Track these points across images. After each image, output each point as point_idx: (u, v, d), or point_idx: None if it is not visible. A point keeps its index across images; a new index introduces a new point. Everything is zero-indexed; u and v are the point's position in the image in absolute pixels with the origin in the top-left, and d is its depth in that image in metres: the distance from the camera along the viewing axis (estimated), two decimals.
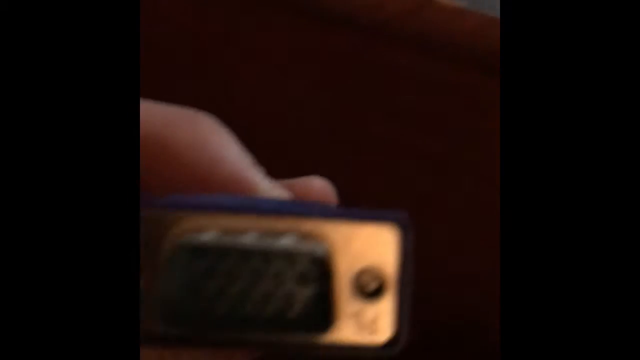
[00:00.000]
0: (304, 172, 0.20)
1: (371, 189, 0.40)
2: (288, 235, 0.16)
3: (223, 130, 0.20)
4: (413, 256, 0.16)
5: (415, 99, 0.39)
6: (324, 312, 0.16)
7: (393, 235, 0.16)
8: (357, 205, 0.16)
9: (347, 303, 0.16)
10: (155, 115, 0.19)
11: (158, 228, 0.16)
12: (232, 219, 0.16)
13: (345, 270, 0.16)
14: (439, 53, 0.37)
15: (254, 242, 0.16)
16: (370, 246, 0.16)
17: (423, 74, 0.38)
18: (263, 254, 0.16)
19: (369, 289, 0.16)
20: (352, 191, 0.19)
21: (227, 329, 0.16)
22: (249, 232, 0.16)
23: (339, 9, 0.38)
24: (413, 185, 0.41)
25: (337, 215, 0.16)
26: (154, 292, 0.16)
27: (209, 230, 0.16)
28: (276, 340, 0.16)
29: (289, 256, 0.16)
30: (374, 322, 0.16)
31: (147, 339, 0.16)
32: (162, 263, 0.16)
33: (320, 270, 0.16)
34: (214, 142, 0.19)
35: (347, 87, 0.40)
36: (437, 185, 0.41)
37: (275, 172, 0.20)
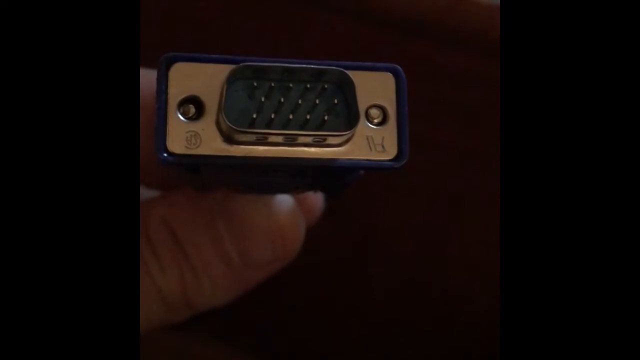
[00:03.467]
0: None
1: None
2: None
3: None
4: (406, 95, 0.20)
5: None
6: (348, 124, 0.20)
7: (392, 79, 0.20)
8: None
9: (362, 129, 0.20)
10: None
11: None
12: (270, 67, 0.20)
13: (359, 106, 0.20)
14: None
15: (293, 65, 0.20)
16: (376, 88, 0.20)
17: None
18: (300, 71, 0.20)
19: (377, 120, 0.20)
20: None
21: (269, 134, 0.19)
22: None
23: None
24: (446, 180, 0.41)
25: (350, 66, 0.20)
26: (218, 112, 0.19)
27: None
28: (306, 155, 0.20)
29: (318, 72, 0.20)
30: (382, 143, 0.20)
31: (206, 160, 0.19)
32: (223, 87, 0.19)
33: (346, 84, 0.20)
34: None
35: None
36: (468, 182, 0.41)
37: None
